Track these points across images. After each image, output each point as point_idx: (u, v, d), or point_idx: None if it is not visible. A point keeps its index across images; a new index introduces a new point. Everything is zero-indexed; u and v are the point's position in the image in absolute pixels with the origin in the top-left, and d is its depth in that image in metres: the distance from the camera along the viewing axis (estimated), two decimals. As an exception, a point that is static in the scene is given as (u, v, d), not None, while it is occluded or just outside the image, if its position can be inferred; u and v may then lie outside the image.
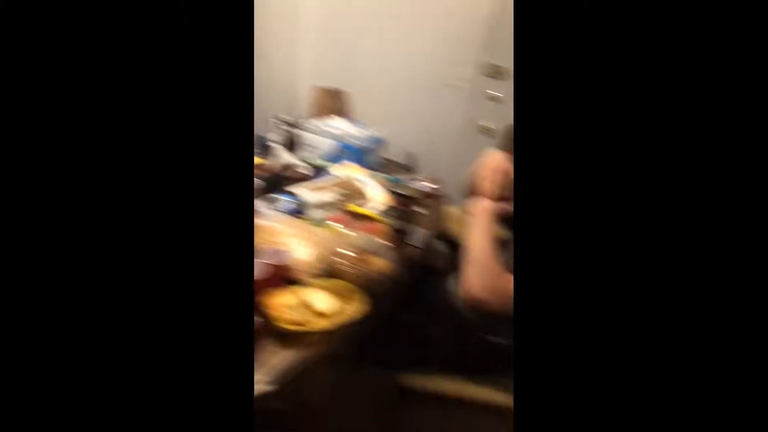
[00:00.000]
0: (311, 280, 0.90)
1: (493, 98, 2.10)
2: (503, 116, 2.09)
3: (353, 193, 1.34)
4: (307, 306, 0.82)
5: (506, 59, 2.06)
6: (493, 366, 1.05)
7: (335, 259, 0.95)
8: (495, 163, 1.03)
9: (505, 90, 2.08)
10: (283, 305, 0.81)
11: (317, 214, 1.19)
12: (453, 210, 1.72)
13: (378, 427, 1.17)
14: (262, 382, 0.68)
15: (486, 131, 2.14)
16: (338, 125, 1.65)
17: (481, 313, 0.98)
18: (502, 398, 1.05)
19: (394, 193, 1.04)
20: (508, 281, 0.88)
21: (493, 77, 2.09)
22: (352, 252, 0.94)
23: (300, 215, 1.16)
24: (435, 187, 1.49)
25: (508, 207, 1.00)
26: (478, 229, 0.96)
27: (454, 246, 1.77)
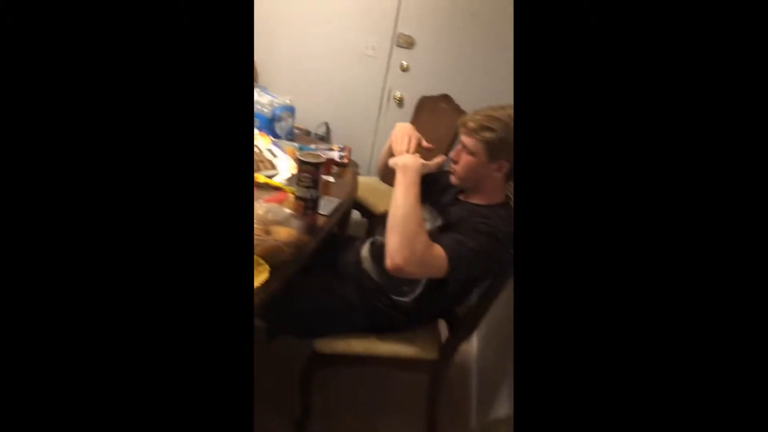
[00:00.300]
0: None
1: (403, 68, 2.12)
2: (412, 86, 2.13)
3: (260, 162, 1.30)
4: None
5: (415, 29, 2.08)
6: (399, 323, 1.11)
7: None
8: (407, 131, 1.05)
9: (413, 60, 2.11)
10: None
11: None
12: (365, 179, 1.74)
13: (296, 394, 1.19)
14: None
15: (397, 101, 2.17)
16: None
17: (390, 277, 1.02)
18: (409, 351, 1.12)
19: (301, 161, 1.02)
20: (433, 251, 0.89)
21: (405, 47, 2.10)
22: (255, 223, 0.92)
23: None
24: (345, 155, 1.49)
25: (432, 163, 1.01)
26: (403, 190, 0.92)
27: (366, 213, 1.81)
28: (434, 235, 0.96)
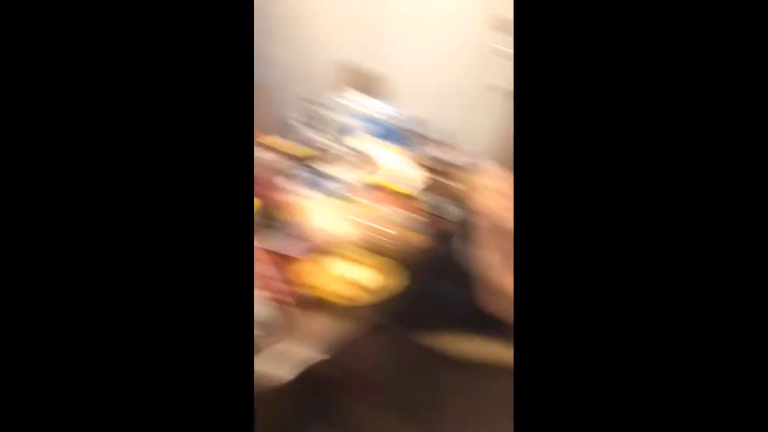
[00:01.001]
0: (354, 256, 1.00)
1: (499, 53, 2.03)
2: (510, 73, 2.00)
3: (387, 170, 1.37)
4: (354, 282, 0.93)
5: (508, 10, 1.94)
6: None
7: (375, 236, 1.03)
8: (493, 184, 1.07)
9: (508, 44, 1.99)
10: (334, 281, 0.91)
11: (350, 191, 1.24)
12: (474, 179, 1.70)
13: (418, 391, 1.28)
14: (315, 352, 0.78)
15: (495, 90, 2.10)
16: (359, 100, 1.62)
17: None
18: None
19: (426, 167, 1.07)
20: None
21: (499, 30, 2.01)
22: (391, 229, 1.03)
23: (334, 193, 1.22)
24: (470, 159, 1.50)
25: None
26: (488, 249, 0.99)
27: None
28: None
